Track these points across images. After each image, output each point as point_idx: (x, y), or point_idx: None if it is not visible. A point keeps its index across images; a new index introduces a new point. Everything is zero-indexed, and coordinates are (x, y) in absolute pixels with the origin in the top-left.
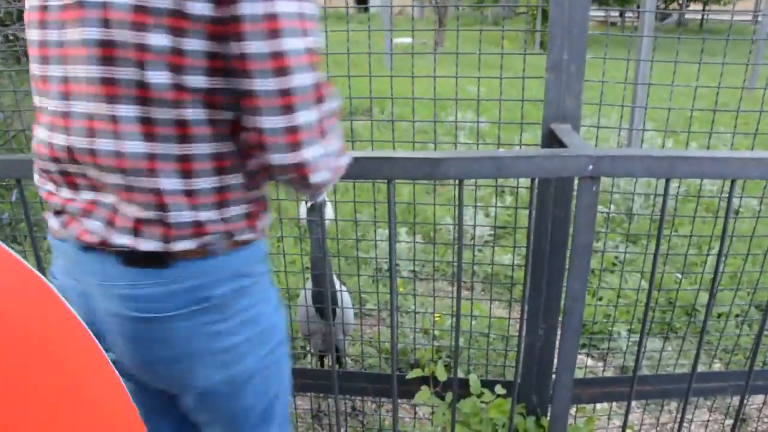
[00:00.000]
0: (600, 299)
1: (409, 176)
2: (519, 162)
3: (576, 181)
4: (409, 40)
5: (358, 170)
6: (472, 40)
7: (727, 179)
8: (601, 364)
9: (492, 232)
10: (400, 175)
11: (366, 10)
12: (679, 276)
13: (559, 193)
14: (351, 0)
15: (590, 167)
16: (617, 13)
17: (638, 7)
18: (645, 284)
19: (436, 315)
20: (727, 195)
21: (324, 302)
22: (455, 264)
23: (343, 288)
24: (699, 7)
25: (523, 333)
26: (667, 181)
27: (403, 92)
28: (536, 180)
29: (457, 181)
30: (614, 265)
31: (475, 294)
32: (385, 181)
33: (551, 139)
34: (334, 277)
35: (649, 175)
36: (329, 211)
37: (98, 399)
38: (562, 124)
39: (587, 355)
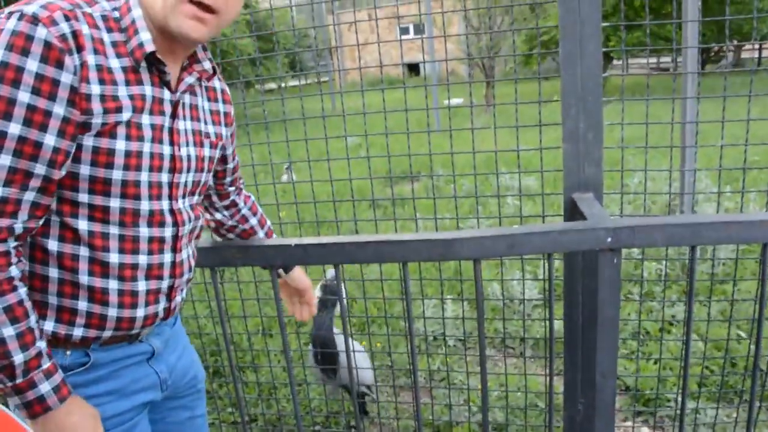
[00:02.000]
0: (655, 362)
1: (422, 258)
2: (533, 238)
3: None
4: (460, 100)
5: (373, 254)
6: (521, 96)
7: (757, 243)
8: None
9: (540, 296)
10: (414, 257)
11: (417, 74)
12: (743, 335)
13: (588, 262)
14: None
15: (609, 239)
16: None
17: (678, 51)
18: (703, 346)
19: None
20: None
21: (321, 363)
22: (501, 332)
23: (356, 346)
24: (754, 45)
25: (553, 409)
26: (693, 248)
27: (450, 150)
28: (552, 255)
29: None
30: (671, 324)
31: (518, 361)
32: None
33: (573, 210)
34: (340, 336)
35: (672, 243)
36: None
37: None
38: (584, 193)
39: (643, 422)
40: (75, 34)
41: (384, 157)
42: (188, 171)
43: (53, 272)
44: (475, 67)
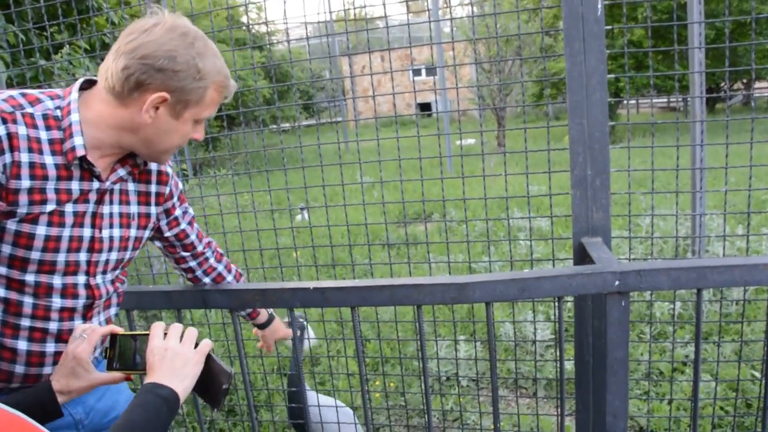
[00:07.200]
0: (668, 403)
1: (436, 301)
2: (543, 282)
3: None
4: (471, 141)
5: (388, 297)
6: (532, 136)
7: (761, 285)
8: None
9: (552, 336)
10: (429, 300)
11: (429, 115)
12: (757, 375)
13: (597, 305)
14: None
15: (616, 283)
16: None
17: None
18: (717, 386)
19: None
20: None
21: (296, 418)
22: (514, 372)
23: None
24: (764, 84)
25: None
26: (699, 291)
27: (462, 194)
28: (563, 298)
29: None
30: (684, 365)
31: (531, 401)
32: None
33: (582, 254)
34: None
35: (678, 287)
36: (311, 333)
37: None
38: (592, 237)
39: None
40: (9, 136)
41: (397, 198)
42: (110, 250)
43: None
44: (486, 109)
